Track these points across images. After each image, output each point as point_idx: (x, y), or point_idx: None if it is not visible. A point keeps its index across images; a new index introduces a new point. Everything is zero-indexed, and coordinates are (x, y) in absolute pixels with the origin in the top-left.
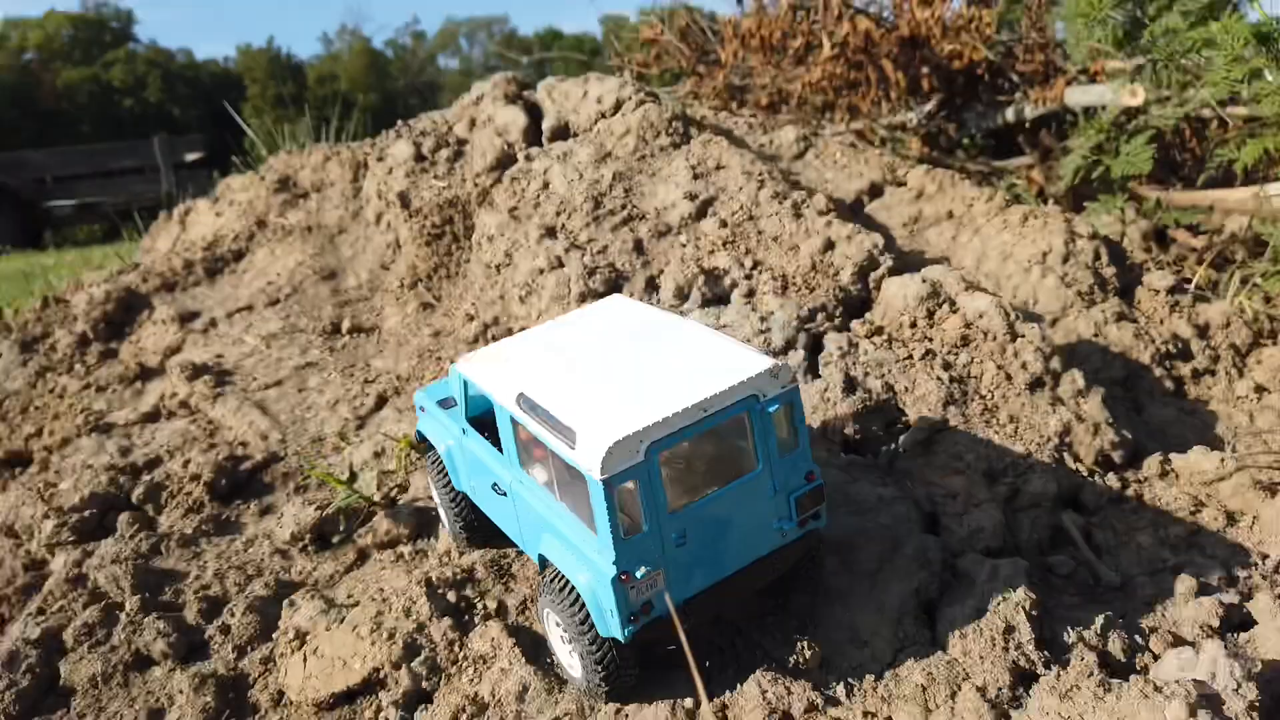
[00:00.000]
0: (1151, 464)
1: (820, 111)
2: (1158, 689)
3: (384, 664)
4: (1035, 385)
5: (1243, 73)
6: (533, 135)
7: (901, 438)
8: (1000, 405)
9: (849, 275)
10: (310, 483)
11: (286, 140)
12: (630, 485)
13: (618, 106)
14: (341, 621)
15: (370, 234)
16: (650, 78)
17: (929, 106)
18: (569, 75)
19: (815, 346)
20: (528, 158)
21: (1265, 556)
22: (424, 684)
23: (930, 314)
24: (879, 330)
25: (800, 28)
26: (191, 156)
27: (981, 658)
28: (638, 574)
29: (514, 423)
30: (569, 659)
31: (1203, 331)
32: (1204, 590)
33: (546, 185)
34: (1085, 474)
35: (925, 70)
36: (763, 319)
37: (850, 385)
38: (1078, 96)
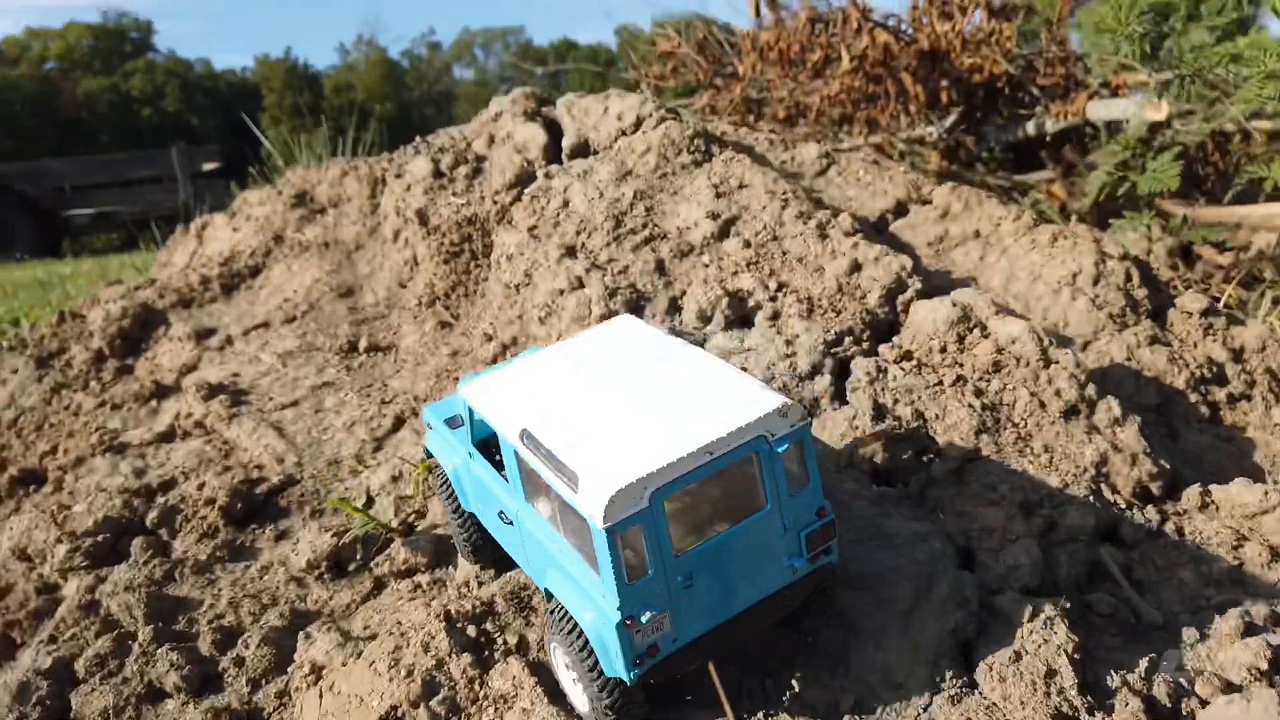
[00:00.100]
0: (1191, 496)
1: (838, 125)
2: None
3: (402, 702)
4: (1070, 413)
5: (1276, 89)
6: (552, 152)
7: (933, 467)
8: (1034, 434)
9: (876, 298)
10: (326, 507)
11: (303, 150)
12: (634, 530)
13: (638, 124)
14: (358, 656)
15: (388, 251)
16: (667, 91)
17: (949, 121)
18: (584, 86)
19: (842, 371)
20: (547, 175)
21: None
22: None
23: (961, 339)
24: (908, 355)
25: (819, 41)
26: (209, 166)
27: (1022, 703)
28: (643, 618)
29: (518, 456)
30: (576, 695)
31: (1238, 355)
32: (1250, 630)
33: (566, 204)
34: (1123, 506)
35: (945, 84)
36: (788, 342)
37: (879, 412)
38: (1099, 111)
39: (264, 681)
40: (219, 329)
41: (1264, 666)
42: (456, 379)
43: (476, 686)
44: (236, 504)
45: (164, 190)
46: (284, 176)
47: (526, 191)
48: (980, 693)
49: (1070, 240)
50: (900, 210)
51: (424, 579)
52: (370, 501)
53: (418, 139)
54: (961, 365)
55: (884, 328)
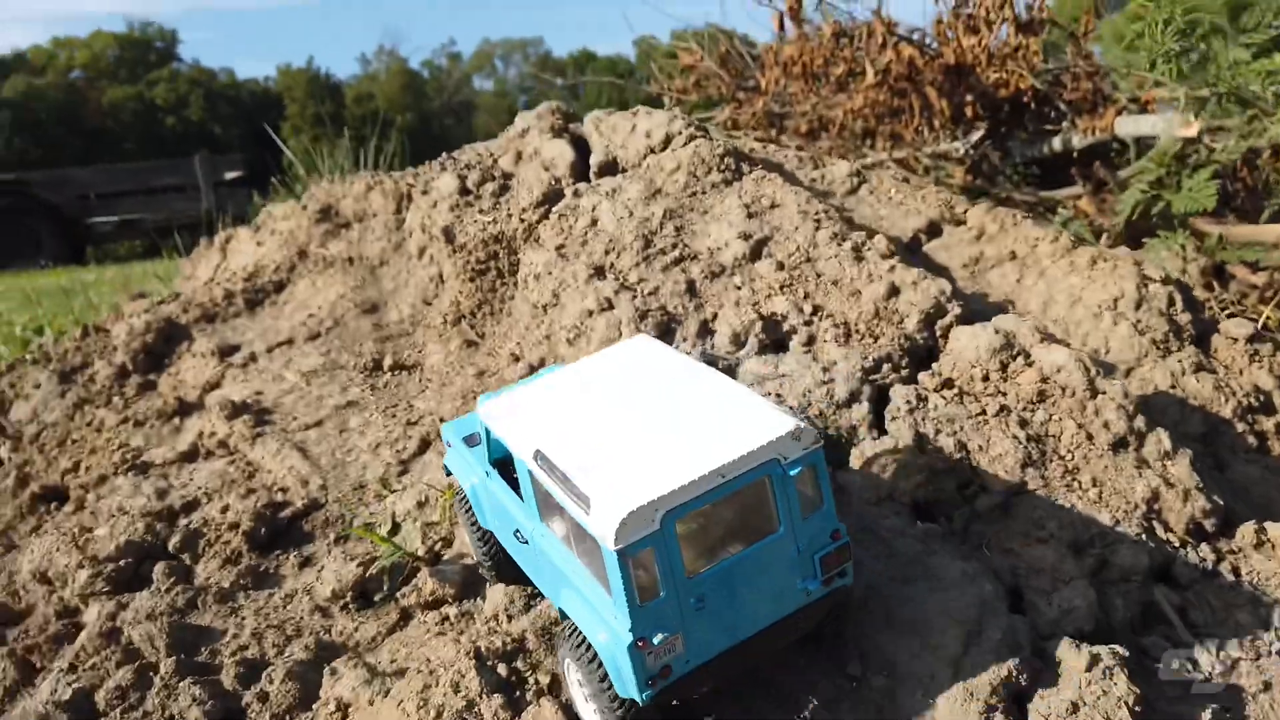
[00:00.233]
0: (1246, 533)
1: (861, 139)
2: None
3: None
4: (1118, 446)
5: None
6: (580, 170)
7: (976, 502)
8: (1082, 467)
9: (915, 323)
10: (352, 532)
11: (325, 160)
12: (646, 553)
13: (667, 141)
14: (386, 694)
15: (412, 267)
16: (688, 104)
17: (976, 136)
18: (603, 97)
19: (880, 399)
20: (575, 193)
21: None
22: None
23: (1004, 367)
24: (949, 383)
25: (842, 55)
26: (231, 175)
27: None
28: (655, 640)
29: (533, 476)
30: (589, 713)
31: None
32: None
33: (595, 222)
34: (1176, 544)
35: (970, 98)
36: (825, 369)
37: (920, 443)
38: (1128, 127)
39: (288, 719)
40: (243, 345)
41: None
42: None
43: None
44: (260, 529)
45: (187, 199)
46: (309, 190)
47: (554, 209)
48: None
49: (1110, 263)
50: (933, 230)
51: (452, 611)
52: (396, 528)
53: (444, 155)
54: (1005, 394)
55: (922, 353)
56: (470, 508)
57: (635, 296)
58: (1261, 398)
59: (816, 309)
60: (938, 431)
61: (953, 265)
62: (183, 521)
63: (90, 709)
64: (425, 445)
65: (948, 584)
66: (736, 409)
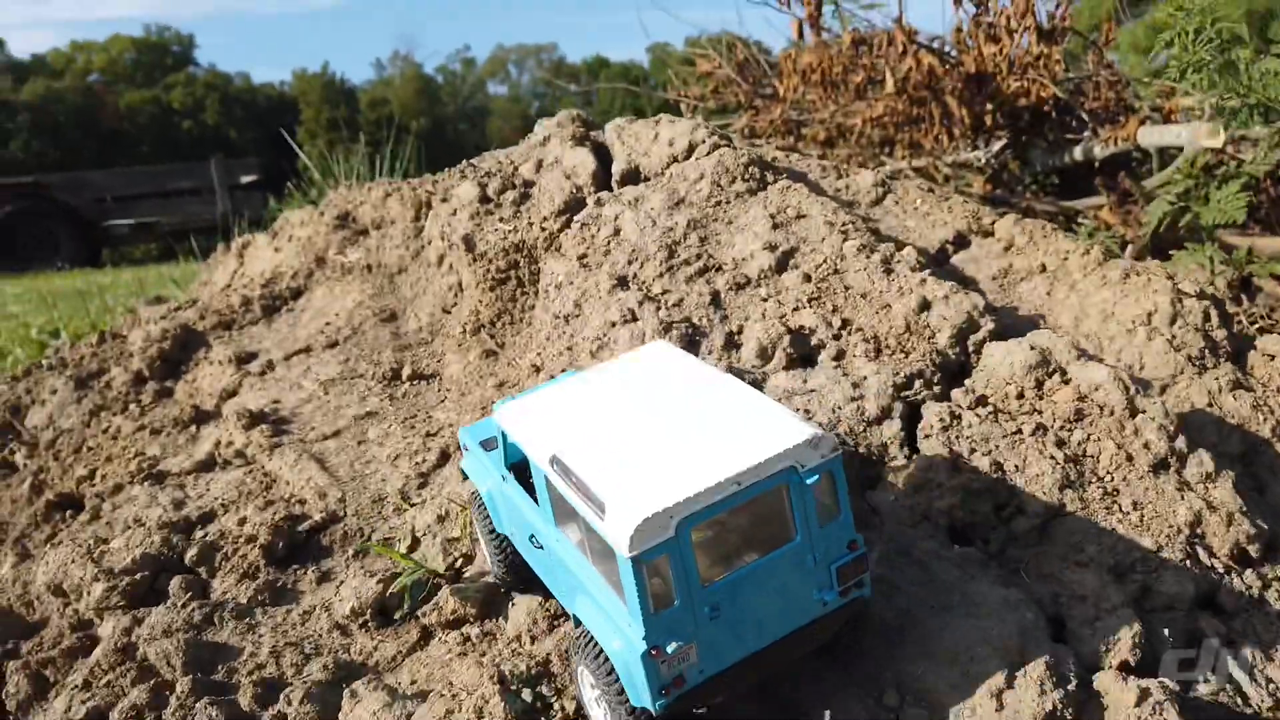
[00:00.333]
0: None
1: (879, 147)
2: None
3: None
4: (1159, 467)
5: None
6: (602, 179)
7: (1013, 524)
8: (1121, 489)
9: (946, 338)
10: (371, 548)
11: (340, 165)
12: (660, 560)
13: (690, 150)
14: (408, 718)
15: (431, 276)
16: (704, 111)
17: (998, 146)
18: (616, 103)
19: (912, 416)
20: (598, 202)
21: None
22: None
23: (1039, 384)
24: (982, 400)
25: (862, 63)
26: (247, 179)
27: None
28: (668, 648)
29: (549, 481)
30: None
31: None
32: None
33: (617, 232)
34: (1221, 571)
35: (990, 107)
36: (855, 385)
37: (954, 462)
38: (1151, 137)
39: None
40: (260, 353)
41: None
42: None
43: None
44: (278, 542)
45: (202, 202)
46: (326, 197)
47: (576, 219)
48: None
49: (1144, 277)
50: (961, 242)
51: (473, 631)
52: (415, 543)
53: (464, 163)
54: (1041, 413)
55: (953, 369)
56: (486, 512)
57: (659, 308)
58: None
59: (845, 323)
60: (972, 451)
61: (981, 278)
62: (199, 533)
63: None
64: (445, 458)
65: (988, 611)
66: (754, 416)
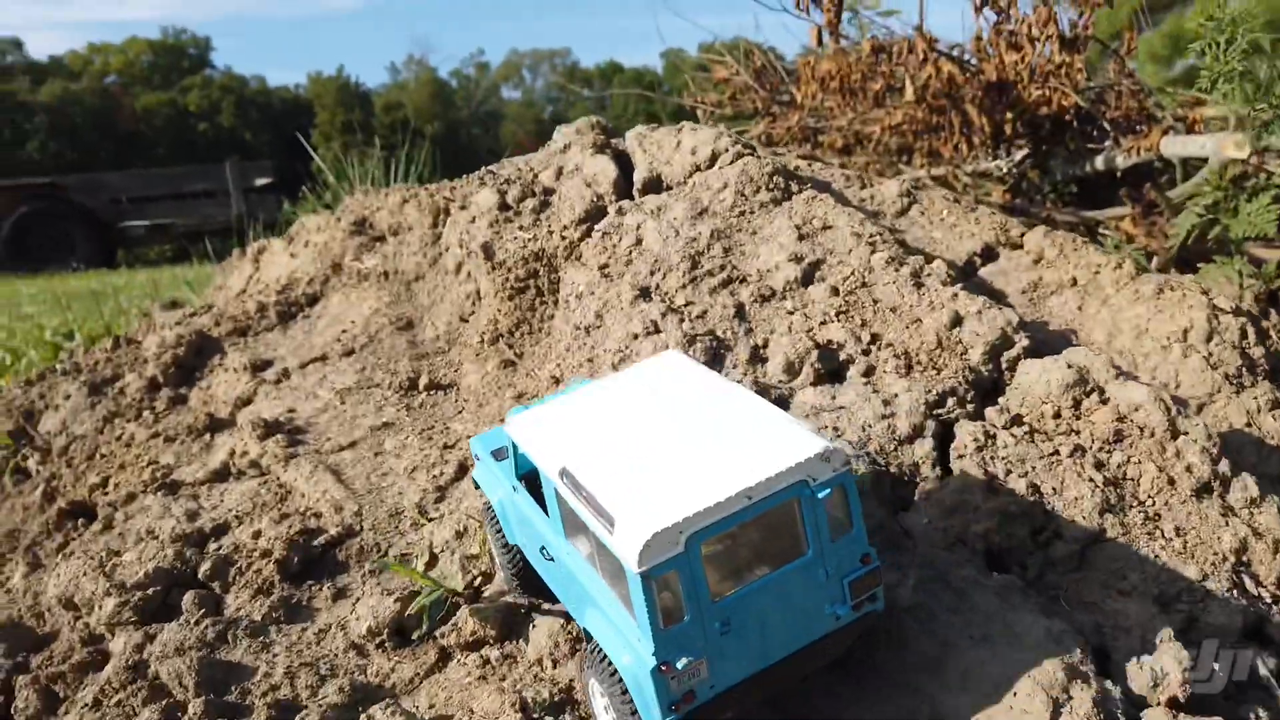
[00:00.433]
0: None
1: (897, 155)
2: None
3: None
4: (1202, 491)
5: None
6: (623, 187)
7: (1051, 549)
8: (1163, 514)
9: (979, 355)
10: (389, 566)
11: (355, 168)
12: (670, 575)
13: (714, 159)
14: None
15: (449, 283)
16: (720, 117)
17: (1020, 155)
18: (630, 108)
19: (945, 435)
20: (619, 211)
21: None
22: None
23: (1076, 404)
24: (1018, 420)
25: (881, 70)
26: (261, 181)
27: None
28: (678, 664)
29: (558, 493)
30: None
31: None
32: None
33: (639, 241)
34: (1269, 601)
35: (1010, 115)
36: (885, 402)
37: (990, 484)
38: (1174, 147)
39: None
40: (275, 361)
41: None
42: None
43: None
44: (293, 557)
45: (217, 204)
46: (342, 202)
47: (597, 227)
48: None
49: (1178, 292)
50: (989, 254)
51: (493, 653)
52: (434, 559)
53: (483, 169)
54: (1079, 434)
55: (986, 387)
56: (498, 523)
57: (683, 320)
58: None
59: (875, 337)
60: (1008, 472)
61: (1010, 291)
62: (213, 546)
63: None
64: (462, 470)
65: (1031, 644)
66: (766, 428)
